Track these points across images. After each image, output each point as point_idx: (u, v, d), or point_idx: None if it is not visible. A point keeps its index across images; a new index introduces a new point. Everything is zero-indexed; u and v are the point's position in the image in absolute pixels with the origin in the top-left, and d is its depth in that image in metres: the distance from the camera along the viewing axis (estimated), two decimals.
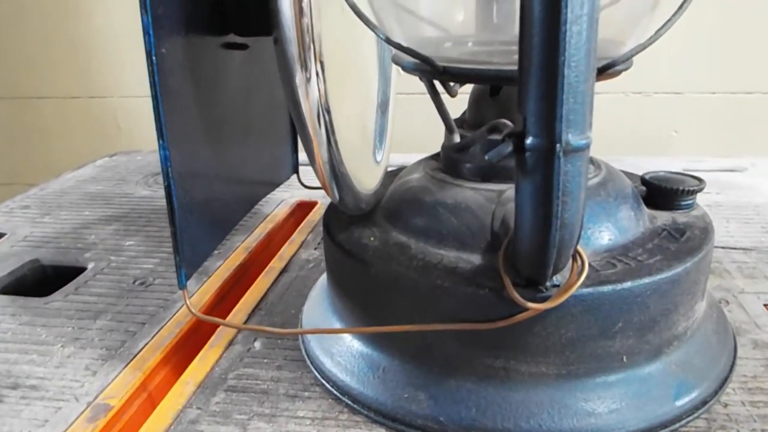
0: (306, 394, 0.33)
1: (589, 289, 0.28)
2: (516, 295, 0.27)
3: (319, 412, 0.31)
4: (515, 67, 0.23)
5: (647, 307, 0.29)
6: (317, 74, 0.28)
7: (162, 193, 0.64)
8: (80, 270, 0.48)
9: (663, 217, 0.35)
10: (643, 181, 0.37)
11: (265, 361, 0.36)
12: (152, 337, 0.39)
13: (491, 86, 0.34)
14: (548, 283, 0.28)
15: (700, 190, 0.36)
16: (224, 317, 0.41)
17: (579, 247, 0.27)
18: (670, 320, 0.30)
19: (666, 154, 0.94)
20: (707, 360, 0.33)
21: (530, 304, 0.27)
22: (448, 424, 0.29)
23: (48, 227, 0.56)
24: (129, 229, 0.55)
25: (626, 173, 0.39)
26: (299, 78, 0.28)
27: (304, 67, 0.28)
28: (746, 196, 0.59)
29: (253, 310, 0.41)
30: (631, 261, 0.30)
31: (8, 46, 1.10)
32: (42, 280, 0.50)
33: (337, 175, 0.31)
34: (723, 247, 0.48)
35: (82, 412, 0.32)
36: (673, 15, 0.27)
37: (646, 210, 0.35)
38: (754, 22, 0.87)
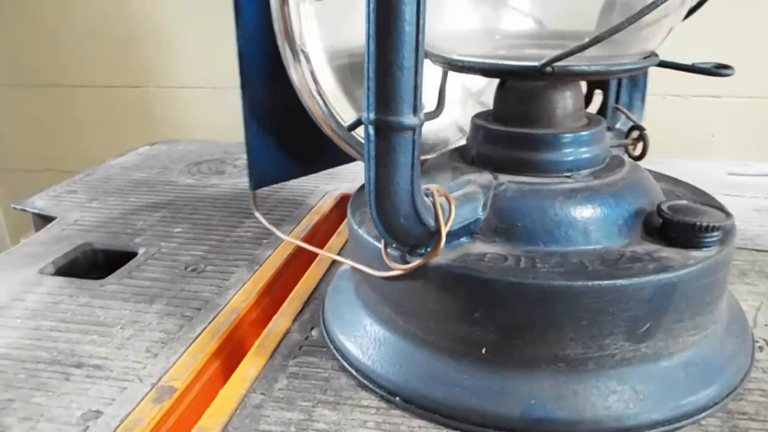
0: (368, 383, 0.33)
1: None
2: (385, 256, 0.31)
3: (384, 401, 0.32)
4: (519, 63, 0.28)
5: (670, 302, 0.30)
6: None
7: (206, 182, 0.65)
8: (131, 255, 0.49)
9: None
10: (659, 211, 0.32)
11: (324, 350, 0.36)
12: (209, 323, 0.39)
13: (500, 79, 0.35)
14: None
15: (727, 227, 0.32)
16: (279, 305, 0.41)
17: (441, 224, 0.29)
18: (689, 317, 0.31)
19: (704, 158, 0.93)
20: (726, 356, 0.33)
21: (394, 265, 0.31)
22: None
23: (96, 212, 0.57)
24: (176, 216, 0.56)
25: (661, 176, 0.40)
26: None
27: None
28: None
29: (308, 300, 0.41)
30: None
31: (48, 36, 1.12)
32: (93, 263, 0.51)
33: None
34: None
35: (147, 393, 0.33)
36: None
37: None
38: None
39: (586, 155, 0.34)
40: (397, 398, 0.32)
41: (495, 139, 0.35)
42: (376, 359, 0.33)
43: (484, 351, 0.31)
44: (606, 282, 0.29)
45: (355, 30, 0.41)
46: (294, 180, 0.46)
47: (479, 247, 0.32)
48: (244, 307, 0.41)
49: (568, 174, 0.33)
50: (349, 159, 0.44)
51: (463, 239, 0.32)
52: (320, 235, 0.54)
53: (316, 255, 0.48)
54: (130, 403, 0.32)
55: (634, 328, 0.30)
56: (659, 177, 0.39)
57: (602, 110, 0.43)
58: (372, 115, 0.27)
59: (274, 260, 0.47)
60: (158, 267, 0.46)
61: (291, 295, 0.42)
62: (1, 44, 1.15)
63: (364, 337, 0.35)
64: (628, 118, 0.41)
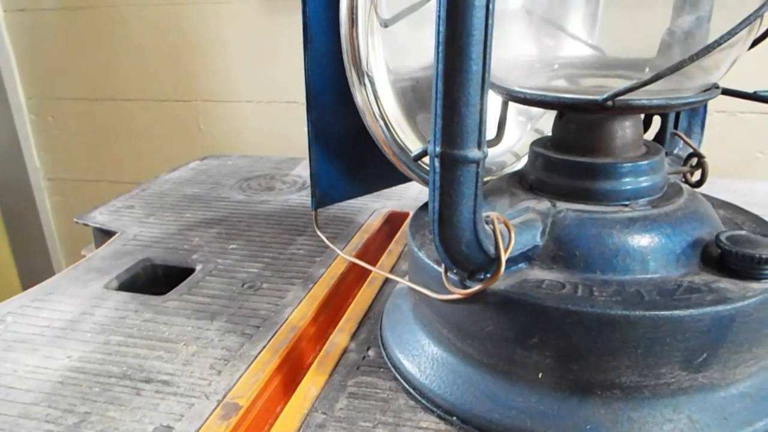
0: (426, 402, 0.34)
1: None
2: (446, 280, 0.32)
3: (442, 423, 0.32)
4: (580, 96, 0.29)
5: (727, 334, 0.30)
6: None
7: (257, 198, 0.67)
8: (189, 271, 0.51)
9: None
10: (718, 241, 0.32)
11: (381, 370, 0.37)
12: (269, 340, 0.40)
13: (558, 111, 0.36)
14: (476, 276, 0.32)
15: None
16: (334, 324, 0.42)
17: (501, 251, 0.30)
18: (747, 348, 0.31)
19: (751, 176, 0.92)
20: None
21: (454, 289, 0.32)
22: None
23: (154, 228, 0.59)
24: (231, 232, 0.58)
25: (720, 203, 0.40)
26: None
27: None
28: None
29: (363, 319, 0.43)
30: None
31: (102, 50, 1.16)
32: (154, 278, 0.53)
33: None
34: None
35: (214, 410, 0.34)
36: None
37: None
38: None
39: (645, 184, 0.34)
40: (455, 418, 0.33)
41: (554, 166, 0.35)
42: (433, 379, 0.34)
43: (540, 375, 0.32)
44: (663, 312, 0.30)
45: (417, 54, 0.43)
46: None
47: (537, 273, 0.33)
48: (301, 325, 0.42)
49: (626, 203, 0.34)
50: (404, 179, 0.45)
51: (522, 265, 0.33)
52: (371, 253, 0.55)
53: (367, 273, 0.50)
54: (198, 419, 0.33)
55: (690, 359, 0.30)
56: (718, 204, 0.40)
57: (660, 136, 0.43)
58: (438, 149, 0.28)
59: (327, 278, 0.49)
60: (216, 284, 0.48)
61: (347, 314, 0.43)
62: (60, 58, 1.19)
63: (422, 357, 0.36)
64: (687, 144, 0.42)
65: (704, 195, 0.38)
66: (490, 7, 0.25)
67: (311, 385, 0.36)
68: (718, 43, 0.27)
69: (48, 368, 0.38)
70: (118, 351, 0.40)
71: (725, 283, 0.31)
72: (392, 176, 0.44)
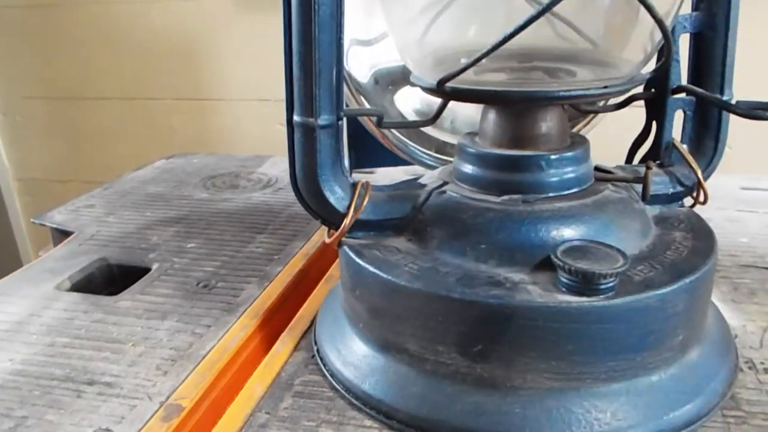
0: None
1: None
2: (326, 235, 0.37)
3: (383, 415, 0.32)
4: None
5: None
6: None
7: (220, 196, 0.66)
8: (145, 270, 0.50)
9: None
10: (554, 256, 0.30)
11: None
12: (218, 340, 0.40)
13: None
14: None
15: (613, 274, 0.28)
16: (287, 322, 0.42)
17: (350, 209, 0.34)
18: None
19: (722, 171, 0.92)
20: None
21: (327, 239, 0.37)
22: None
23: (113, 227, 0.58)
24: (190, 231, 0.57)
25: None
26: None
27: None
28: None
29: (316, 316, 0.42)
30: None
31: (71, 48, 1.14)
32: (109, 278, 0.52)
33: None
34: None
35: (156, 411, 0.33)
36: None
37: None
38: None
39: (550, 179, 0.34)
40: (382, 416, 0.32)
41: (459, 152, 0.37)
42: (363, 378, 0.34)
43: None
44: (433, 291, 0.31)
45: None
46: None
47: (395, 242, 0.35)
48: (253, 324, 0.42)
49: (520, 195, 0.33)
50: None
51: (388, 232, 0.36)
52: (332, 250, 0.54)
53: (325, 272, 0.49)
54: (139, 421, 0.33)
55: (462, 342, 0.31)
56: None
57: (654, 144, 0.40)
58: (287, 115, 0.33)
59: (284, 276, 0.48)
60: (171, 283, 0.47)
61: (299, 313, 0.43)
62: (27, 57, 1.18)
63: (351, 355, 0.36)
64: (682, 156, 0.38)
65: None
66: None
67: (257, 384, 0.35)
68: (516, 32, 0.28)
69: None
70: (63, 353, 0.39)
71: (537, 288, 0.30)
72: None
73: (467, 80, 0.33)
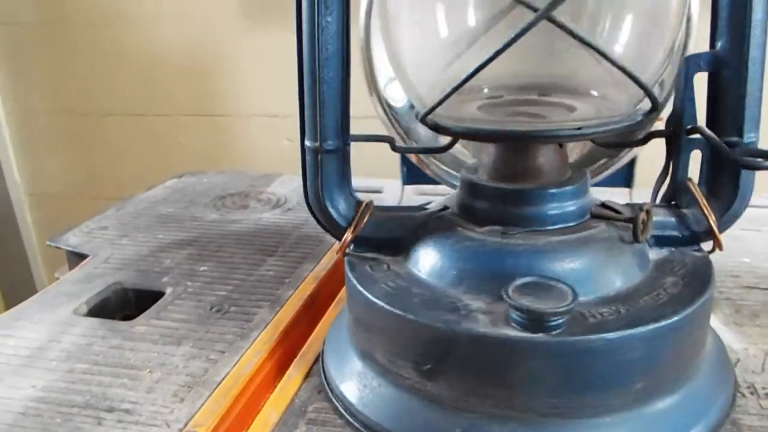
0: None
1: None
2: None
3: None
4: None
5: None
6: None
7: (230, 217, 0.67)
8: (159, 294, 0.51)
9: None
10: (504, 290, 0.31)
11: None
12: (233, 366, 0.41)
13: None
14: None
15: (555, 313, 0.29)
16: (300, 346, 0.43)
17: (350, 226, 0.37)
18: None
19: None
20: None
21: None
22: None
23: (127, 249, 0.60)
24: (202, 254, 0.58)
25: None
26: None
27: None
28: None
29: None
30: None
31: (81, 64, 1.16)
32: (124, 302, 0.53)
33: None
34: None
35: None
36: None
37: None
38: None
39: (529, 212, 0.35)
40: None
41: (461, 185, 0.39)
42: (368, 404, 0.35)
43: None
44: (409, 316, 0.32)
45: None
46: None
47: (391, 259, 0.38)
48: (266, 350, 0.43)
49: (497, 228, 0.35)
50: None
51: (387, 250, 0.39)
52: (341, 272, 0.56)
53: (335, 295, 0.50)
54: None
55: (417, 361, 0.33)
56: None
57: (671, 184, 0.38)
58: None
59: (295, 300, 0.49)
60: (185, 307, 0.49)
61: (311, 338, 0.44)
62: (39, 72, 1.20)
63: (355, 377, 0.37)
64: (693, 197, 0.36)
65: None
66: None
67: (272, 410, 0.36)
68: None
69: (11, 398, 0.38)
70: (83, 379, 0.40)
71: (487, 318, 0.31)
72: None
73: (458, 116, 0.35)
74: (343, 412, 0.36)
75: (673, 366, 0.32)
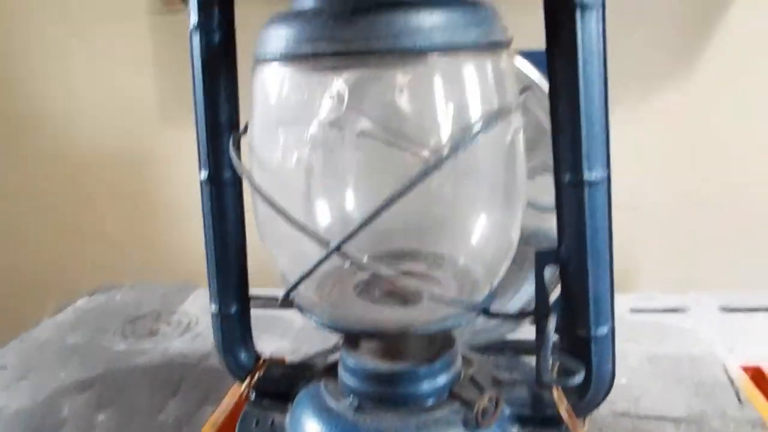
0: None
1: None
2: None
3: None
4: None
5: None
6: None
7: (137, 347, 0.67)
8: None
9: None
10: None
11: None
12: None
13: None
14: None
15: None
16: None
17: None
18: None
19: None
20: None
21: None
22: None
23: (24, 395, 0.59)
24: (101, 397, 0.58)
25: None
26: None
27: None
28: (685, 346, 0.62)
29: None
30: None
31: None
32: None
33: None
34: (656, 418, 0.51)
35: None
36: None
37: None
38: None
39: (374, 390, 0.37)
40: None
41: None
42: None
43: None
44: None
45: None
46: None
47: (279, 414, 0.43)
48: None
49: (354, 401, 0.37)
50: None
51: (281, 404, 0.43)
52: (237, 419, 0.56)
53: None
54: None
55: None
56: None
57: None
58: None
59: None
60: None
61: None
62: None
63: None
64: (560, 359, 0.36)
65: None
66: None
67: None
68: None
69: None
70: None
71: None
72: None
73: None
74: None
75: None
